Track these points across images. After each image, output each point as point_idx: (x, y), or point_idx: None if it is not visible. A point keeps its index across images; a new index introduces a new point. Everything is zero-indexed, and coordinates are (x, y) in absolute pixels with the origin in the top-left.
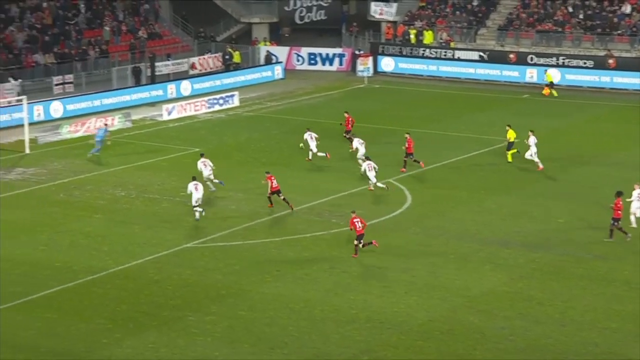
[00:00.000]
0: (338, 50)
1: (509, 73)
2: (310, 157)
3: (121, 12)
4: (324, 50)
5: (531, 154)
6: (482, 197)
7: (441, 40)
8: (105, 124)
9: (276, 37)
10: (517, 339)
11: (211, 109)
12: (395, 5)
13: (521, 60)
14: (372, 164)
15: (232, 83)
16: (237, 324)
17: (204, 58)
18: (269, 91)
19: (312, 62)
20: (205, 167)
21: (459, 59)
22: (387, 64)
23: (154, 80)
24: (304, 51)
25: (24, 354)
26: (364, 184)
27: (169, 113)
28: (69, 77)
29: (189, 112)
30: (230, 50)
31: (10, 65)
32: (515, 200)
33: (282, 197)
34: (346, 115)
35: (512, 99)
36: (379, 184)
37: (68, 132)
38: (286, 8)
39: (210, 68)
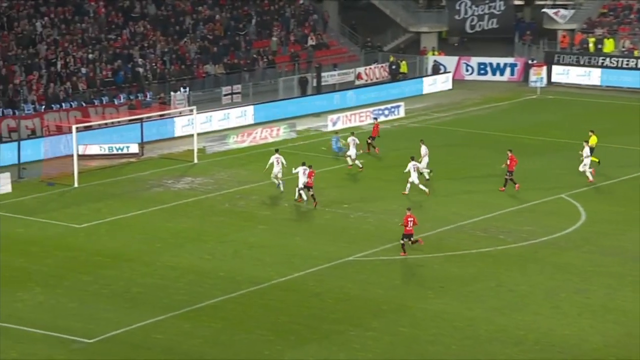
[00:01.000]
0: (510, 60)
1: None
2: (350, 164)
3: (291, 18)
4: (494, 60)
5: (584, 164)
6: None
7: (623, 49)
8: (336, 132)
9: (444, 47)
10: None
11: (378, 119)
12: (572, 11)
13: None
14: (417, 164)
15: (398, 93)
16: (398, 341)
17: (371, 68)
18: (436, 102)
19: (482, 72)
20: (277, 164)
21: None
22: (562, 73)
23: (319, 90)
24: (474, 61)
25: None
26: (534, 199)
27: (334, 124)
28: (237, 88)
29: (353, 122)
30: (397, 60)
31: (182, 75)
32: None
33: (311, 193)
34: (509, 154)
35: None
36: (421, 186)
37: (235, 142)
38: (457, 17)
39: (377, 78)
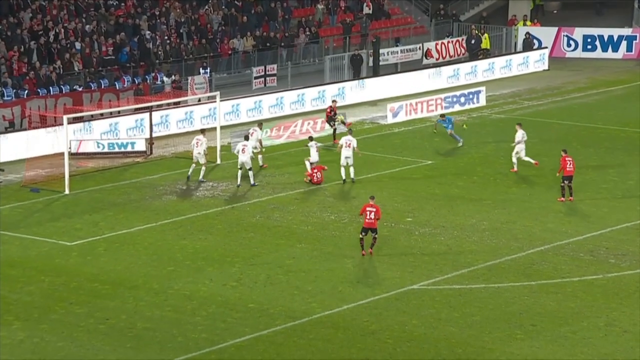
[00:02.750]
0: (626, 32)
1: None
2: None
3: None
4: (606, 32)
5: (516, 151)
6: None
7: None
8: (442, 115)
9: (540, 15)
10: None
11: (449, 110)
12: None
13: None
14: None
15: (477, 75)
16: None
17: (443, 43)
18: (528, 86)
19: (589, 47)
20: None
21: None
22: None
23: (377, 71)
24: (578, 33)
25: None
26: None
27: (395, 114)
28: (272, 68)
29: (419, 113)
30: (477, 32)
31: (203, 53)
32: None
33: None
34: (563, 155)
35: None
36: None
37: (269, 137)
38: None
39: (450, 56)
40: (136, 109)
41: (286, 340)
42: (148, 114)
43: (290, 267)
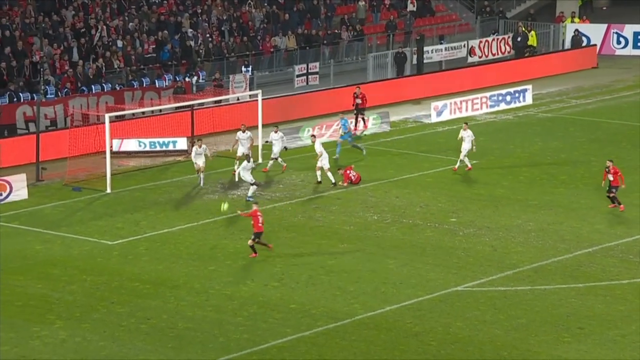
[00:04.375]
0: None
1: None
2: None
3: None
4: None
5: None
6: None
7: None
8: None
9: (589, 12)
10: None
11: (494, 108)
12: None
13: None
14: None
15: (524, 74)
16: None
17: (488, 40)
18: (576, 84)
19: (639, 44)
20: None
21: None
22: None
23: (421, 69)
24: (628, 30)
25: None
26: None
27: (439, 113)
28: (314, 66)
29: (464, 112)
30: (524, 29)
31: (244, 51)
32: None
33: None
34: (608, 165)
35: None
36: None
37: (310, 136)
38: None
39: (493, 54)
40: (177, 108)
41: (328, 341)
42: (190, 112)
43: (333, 267)
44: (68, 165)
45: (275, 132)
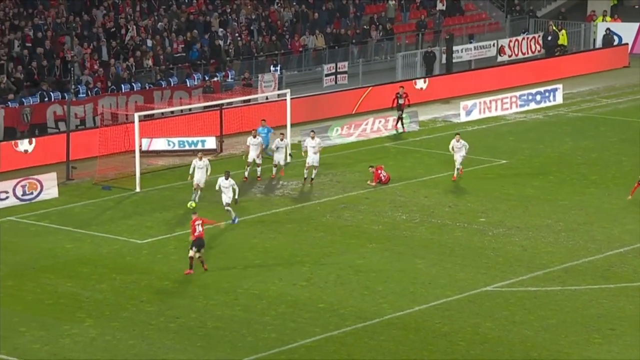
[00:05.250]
0: None
1: None
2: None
3: None
4: None
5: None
6: None
7: None
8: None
9: (620, 11)
10: None
11: (524, 108)
12: None
13: None
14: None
15: (554, 73)
16: None
17: (518, 40)
18: (607, 84)
19: None
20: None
21: None
22: None
23: (450, 69)
24: None
25: None
26: None
27: (468, 112)
28: (343, 66)
29: (494, 111)
30: (554, 28)
31: (273, 50)
32: None
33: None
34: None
35: None
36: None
37: (339, 135)
38: None
39: (523, 53)
40: (206, 107)
41: (357, 341)
42: (219, 111)
43: (361, 267)
44: (98, 164)
45: (282, 139)
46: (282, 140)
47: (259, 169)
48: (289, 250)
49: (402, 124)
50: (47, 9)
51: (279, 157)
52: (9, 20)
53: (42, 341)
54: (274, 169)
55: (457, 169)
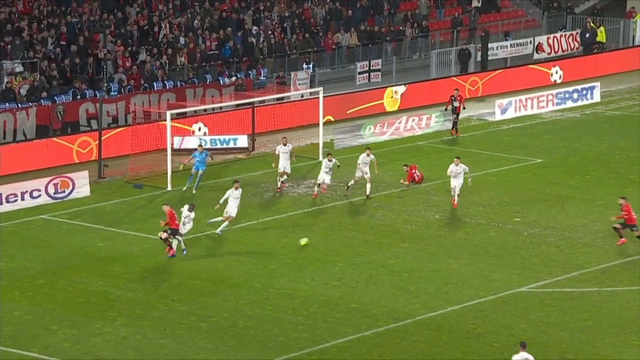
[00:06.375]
0: None
1: None
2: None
3: None
4: None
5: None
6: None
7: None
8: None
9: None
10: None
11: (561, 106)
12: None
13: None
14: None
15: (592, 70)
16: None
17: (555, 37)
18: None
19: None
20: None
21: None
22: None
23: (485, 66)
24: None
25: None
26: None
27: (503, 111)
28: (377, 63)
29: (529, 109)
30: (592, 25)
31: (306, 47)
32: None
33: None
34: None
35: None
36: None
37: (372, 134)
38: None
39: (563, 50)
40: (238, 105)
41: (389, 341)
42: (251, 109)
43: (393, 267)
44: (129, 163)
45: (284, 144)
46: (285, 145)
47: (283, 178)
48: (320, 249)
49: (457, 128)
50: (80, 6)
51: (325, 177)
52: (45, 19)
53: (73, 340)
54: (316, 188)
55: (458, 195)
